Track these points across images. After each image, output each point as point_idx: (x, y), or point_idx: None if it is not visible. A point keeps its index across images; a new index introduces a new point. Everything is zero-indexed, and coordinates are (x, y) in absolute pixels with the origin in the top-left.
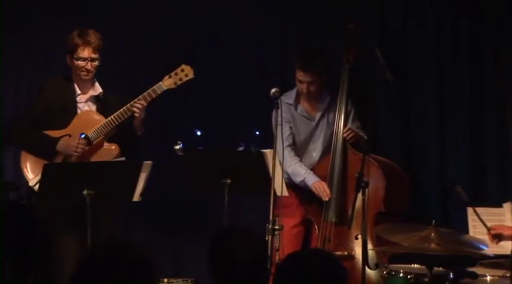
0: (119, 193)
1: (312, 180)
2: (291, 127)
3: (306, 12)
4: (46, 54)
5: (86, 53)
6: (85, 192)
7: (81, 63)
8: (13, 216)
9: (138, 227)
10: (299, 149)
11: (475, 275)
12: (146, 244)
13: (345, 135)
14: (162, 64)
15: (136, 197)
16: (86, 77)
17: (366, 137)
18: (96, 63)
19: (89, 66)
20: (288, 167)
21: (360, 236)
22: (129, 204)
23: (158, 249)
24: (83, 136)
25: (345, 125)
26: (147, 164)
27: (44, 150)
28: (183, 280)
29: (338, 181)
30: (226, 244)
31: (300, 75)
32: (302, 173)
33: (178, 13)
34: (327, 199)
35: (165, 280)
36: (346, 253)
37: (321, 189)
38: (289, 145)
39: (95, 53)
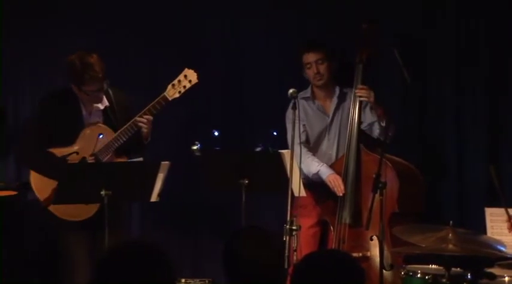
0: (137, 193)
1: (326, 173)
2: (304, 125)
3: (323, 13)
4: (61, 55)
5: (94, 86)
6: (103, 193)
7: (89, 95)
8: (30, 216)
9: (155, 227)
10: (313, 147)
11: (493, 276)
12: (164, 245)
13: (359, 93)
14: (180, 65)
15: (154, 197)
16: (97, 102)
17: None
18: (105, 86)
19: (98, 95)
20: (301, 162)
21: (375, 238)
22: (146, 204)
23: (176, 250)
24: (101, 136)
25: (358, 127)
26: (165, 164)
27: (54, 172)
28: (200, 281)
29: (352, 182)
30: (237, 244)
31: (307, 57)
32: (316, 165)
33: (196, 14)
34: (341, 194)
35: (183, 280)
36: (361, 254)
37: (336, 182)
38: (302, 143)
39: (102, 83)
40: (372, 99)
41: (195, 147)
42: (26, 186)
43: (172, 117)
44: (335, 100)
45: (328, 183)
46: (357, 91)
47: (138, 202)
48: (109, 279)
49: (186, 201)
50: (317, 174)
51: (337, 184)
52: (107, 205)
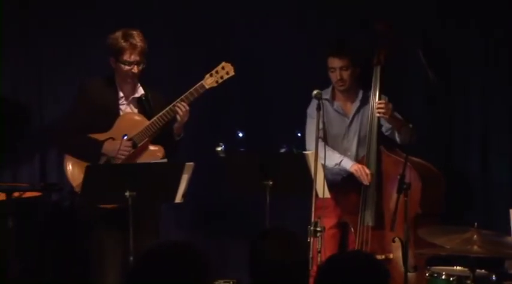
0: (161, 194)
1: (349, 163)
2: (323, 123)
3: (346, 13)
4: (85, 55)
5: (132, 56)
6: (127, 194)
7: (127, 67)
8: (56, 217)
9: (180, 228)
10: (332, 147)
11: None
12: None
13: (377, 107)
14: (204, 64)
15: (178, 198)
16: (131, 80)
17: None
18: (141, 66)
19: (134, 70)
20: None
21: (397, 239)
22: (171, 205)
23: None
24: (125, 137)
25: (378, 128)
26: (189, 165)
27: (89, 153)
28: (224, 282)
29: (373, 183)
30: (263, 245)
31: (331, 62)
32: (338, 156)
33: (220, 13)
34: (368, 183)
35: None
36: (384, 256)
37: (361, 171)
38: (319, 137)
39: (140, 56)
40: (387, 116)
41: (219, 148)
42: (51, 187)
43: (196, 118)
44: (357, 103)
45: (354, 172)
46: (376, 106)
47: (163, 203)
48: (147, 279)
49: (210, 201)
50: (339, 164)
51: (363, 173)
52: (132, 206)
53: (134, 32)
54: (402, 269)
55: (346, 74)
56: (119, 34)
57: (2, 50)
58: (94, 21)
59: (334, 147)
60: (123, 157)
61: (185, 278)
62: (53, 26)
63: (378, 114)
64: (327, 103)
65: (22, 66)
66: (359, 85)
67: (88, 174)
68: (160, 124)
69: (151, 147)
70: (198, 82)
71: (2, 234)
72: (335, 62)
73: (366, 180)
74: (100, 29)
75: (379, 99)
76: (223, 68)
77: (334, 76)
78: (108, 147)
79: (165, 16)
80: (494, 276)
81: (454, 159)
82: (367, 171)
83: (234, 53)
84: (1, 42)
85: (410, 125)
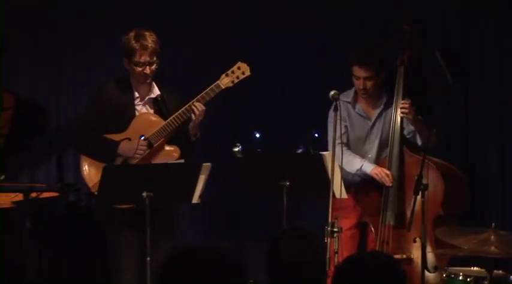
0: (178, 195)
1: (370, 167)
2: (346, 126)
3: (365, 13)
4: (103, 55)
5: (143, 57)
6: (144, 194)
7: (138, 68)
8: (73, 218)
9: (197, 229)
10: (354, 149)
11: None
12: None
13: (401, 107)
14: (221, 64)
15: (195, 199)
16: (144, 81)
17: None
18: (154, 66)
19: (146, 70)
20: (343, 160)
21: (418, 239)
22: (188, 205)
23: None
24: (142, 138)
25: (401, 130)
26: (206, 166)
27: (105, 154)
28: None
29: (395, 183)
30: (281, 245)
31: (357, 71)
32: (358, 161)
33: (239, 14)
34: (390, 184)
35: None
36: (404, 256)
37: (382, 174)
38: (342, 143)
39: (152, 57)
40: (410, 116)
41: (236, 149)
42: (68, 188)
43: (214, 118)
44: (380, 107)
45: (375, 176)
46: (400, 105)
47: (180, 204)
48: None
49: (227, 202)
50: (360, 169)
51: (384, 175)
52: (149, 206)
53: (146, 33)
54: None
55: (369, 84)
56: (131, 35)
57: (20, 50)
58: (111, 21)
59: (355, 149)
60: (139, 157)
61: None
62: (71, 26)
63: (401, 114)
64: (348, 105)
65: (40, 66)
66: (384, 91)
67: (105, 174)
68: (176, 124)
69: (167, 147)
70: (214, 83)
71: (20, 235)
72: (360, 72)
73: (387, 182)
74: (117, 29)
75: (403, 98)
76: (239, 68)
77: (357, 84)
78: (124, 147)
79: (181, 15)
80: (511, 277)
81: (472, 159)
82: (387, 171)
83: (250, 53)
84: (18, 42)
85: (434, 130)
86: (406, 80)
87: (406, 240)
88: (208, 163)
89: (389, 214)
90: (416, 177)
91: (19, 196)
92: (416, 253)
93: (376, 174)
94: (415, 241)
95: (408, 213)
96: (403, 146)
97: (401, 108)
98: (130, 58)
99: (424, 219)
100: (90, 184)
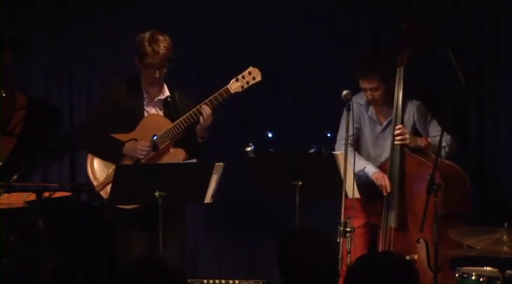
0: (191, 194)
1: (372, 170)
2: (357, 128)
3: (379, 13)
4: (117, 55)
5: (153, 62)
6: (157, 194)
7: (148, 70)
8: (85, 217)
9: (209, 229)
10: (363, 153)
11: None
12: (217, 246)
13: (397, 135)
14: (233, 66)
15: (208, 199)
16: (154, 82)
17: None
18: (164, 70)
19: (156, 75)
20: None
21: (421, 240)
22: (201, 205)
23: (230, 251)
24: (155, 138)
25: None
26: (219, 166)
27: (111, 153)
28: (254, 282)
29: (396, 185)
30: (293, 245)
31: (362, 83)
32: (362, 163)
33: (250, 14)
34: (386, 193)
35: (237, 281)
36: (408, 257)
37: (382, 181)
38: (350, 144)
39: (162, 61)
40: (407, 142)
41: (249, 149)
42: (81, 187)
43: (226, 118)
44: (392, 114)
45: (375, 181)
46: (396, 132)
47: (192, 203)
48: None
49: (239, 201)
50: (363, 171)
51: (383, 182)
52: (161, 206)
53: (160, 37)
54: (427, 269)
55: (377, 94)
56: (146, 36)
57: (34, 50)
58: (125, 22)
59: (366, 151)
60: (142, 157)
61: None
62: (85, 26)
63: (397, 143)
64: (362, 107)
65: (54, 66)
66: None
67: (118, 174)
68: (183, 127)
69: (172, 150)
70: (223, 86)
71: (33, 234)
72: (365, 84)
73: (385, 190)
74: (131, 30)
75: (404, 99)
76: (250, 73)
77: (366, 95)
78: (129, 147)
79: (194, 17)
80: None
81: (485, 159)
82: (387, 181)
83: (263, 54)
84: (33, 42)
85: (443, 143)
86: (407, 81)
87: (410, 241)
88: (221, 163)
89: (391, 215)
90: (428, 177)
91: (32, 196)
92: (420, 254)
93: (377, 179)
94: (418, 242)
95: (410, 214)
96: (404, 147)
97: (396, 135)
98: (142, 59)
99: (436, 219)
100: (95, 183)
